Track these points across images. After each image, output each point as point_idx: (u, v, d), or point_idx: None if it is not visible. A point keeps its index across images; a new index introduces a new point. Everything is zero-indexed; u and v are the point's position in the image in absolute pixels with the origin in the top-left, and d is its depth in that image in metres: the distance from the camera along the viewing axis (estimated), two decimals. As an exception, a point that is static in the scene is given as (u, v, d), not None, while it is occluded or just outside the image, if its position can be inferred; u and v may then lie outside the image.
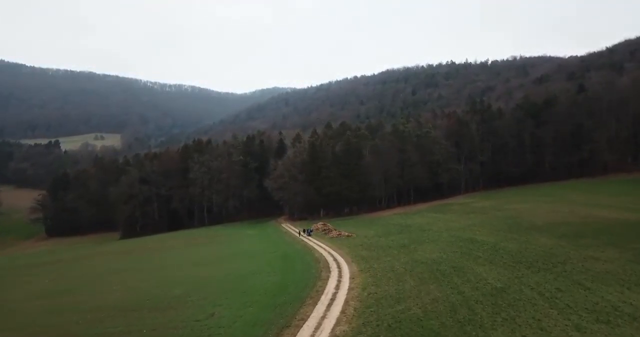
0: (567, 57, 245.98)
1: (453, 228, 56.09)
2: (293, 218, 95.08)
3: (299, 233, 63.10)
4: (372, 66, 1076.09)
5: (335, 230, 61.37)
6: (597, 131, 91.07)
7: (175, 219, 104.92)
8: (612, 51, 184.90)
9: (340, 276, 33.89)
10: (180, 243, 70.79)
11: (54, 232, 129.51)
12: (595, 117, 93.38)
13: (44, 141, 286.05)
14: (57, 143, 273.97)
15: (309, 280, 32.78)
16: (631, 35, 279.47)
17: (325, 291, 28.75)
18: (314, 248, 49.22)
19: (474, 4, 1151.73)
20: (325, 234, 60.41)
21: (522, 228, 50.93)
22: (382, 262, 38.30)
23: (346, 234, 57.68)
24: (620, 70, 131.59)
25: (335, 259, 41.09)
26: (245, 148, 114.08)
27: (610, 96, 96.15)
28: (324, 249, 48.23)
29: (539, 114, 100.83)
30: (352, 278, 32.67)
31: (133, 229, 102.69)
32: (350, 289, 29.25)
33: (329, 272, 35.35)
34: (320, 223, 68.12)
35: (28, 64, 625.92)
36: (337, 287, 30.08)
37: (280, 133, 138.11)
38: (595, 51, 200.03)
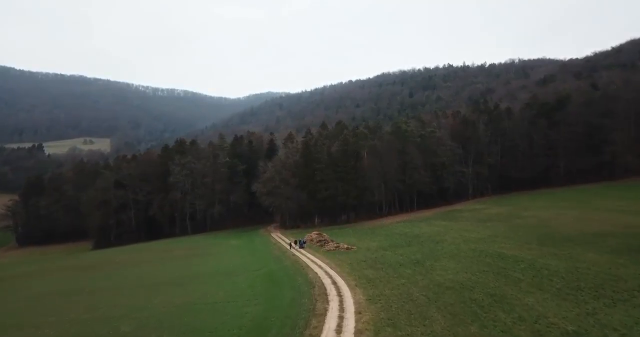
0: (566, 59, 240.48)
1: (471, 239, 48.04)
2: (284, 226, 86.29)
3: (290, 245, 54.29)
4: (367, 71, 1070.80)
5: (333, 241, 52.81)
6: (617, 132, 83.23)
7: (155, 227, 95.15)
8: (618, 51, 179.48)
9: (342, 308, 25.51)
10: (153, 256, 61.85)
11: (26, 241, 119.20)
12: (613, 116, 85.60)
13: (29, 145, 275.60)
14: (40, 147, 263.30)
15: (299, 315, 24.61)
16: (635, 35, 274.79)
17: (323, 337, 20.43)
18: (307, 265, 40.60)
19: (468, 9, 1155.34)
20: (321, 246, 51.79)
21: (557, 240, 43.09)
22: (395, 286, 30.02)
23: (345, 246, 49.18)
24: (633, 69, 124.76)
25: (334, 282, 32.57)
26: (232, 149, 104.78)
27: (628, 95, 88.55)
28: (320, 266, 39.64)
29: (551, 113, 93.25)
30: (358, 313, 24.46)
31: (107, 238, 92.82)
32: (357, 332, 21.25)
33: (327, 302, 26.92)
34: (315, 233, 59.46)
35: (17, 67, 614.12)
36: (339, 328, 21.97)
37: (272, 134, 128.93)
38: (601, 51, 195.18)
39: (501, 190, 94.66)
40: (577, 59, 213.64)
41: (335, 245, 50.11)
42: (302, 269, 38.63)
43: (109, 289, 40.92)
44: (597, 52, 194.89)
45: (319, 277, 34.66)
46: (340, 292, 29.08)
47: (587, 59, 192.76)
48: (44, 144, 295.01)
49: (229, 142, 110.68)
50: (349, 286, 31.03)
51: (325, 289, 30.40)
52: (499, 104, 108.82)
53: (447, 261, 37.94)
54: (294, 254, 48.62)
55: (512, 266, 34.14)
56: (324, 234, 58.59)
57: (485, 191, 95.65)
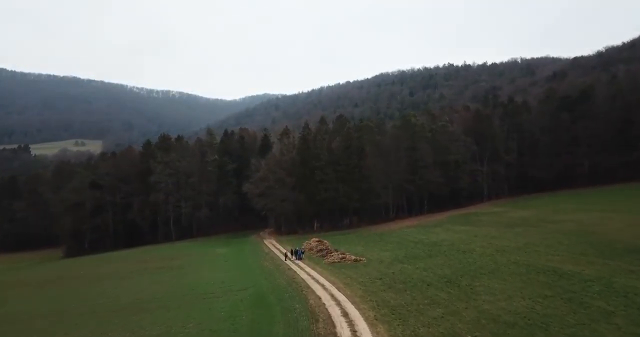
0: (571, 57, 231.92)
1: (506, 249, 39.25)
2: (279, 232, 77.29)
3: (285, 255, 45.31)
4: (365, 73, 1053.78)
5: (336, 251, 43.92)
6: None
7: (135, 233, 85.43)
8: (632, 45, 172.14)
9: (362, 364, 16.48)
10: (125, 268, 52.71)
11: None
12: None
13: (16, 146, 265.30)
14: (26, 147, 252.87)
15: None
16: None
17: None
18: (307, 285, 31.59)
19: (466, 11, 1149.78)
20: (322, 256, 42.93)
21: (619, 250, 34.48)
22: (431, 320, 21.07)
23: (352, 257, 40.25)
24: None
25: (344, 312, 23.55)
26: (222, 146, 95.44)
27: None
28: (323, 286, 30.69)
29: (573, 107, 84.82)
30: (389, 375, 15.39)
31: (80, 245, 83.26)
32: None
33: (338, 351, 17.92)
34: (315, 240, 50.55)
35: (9, 68, 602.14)
36: None
37: (265, 130, 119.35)
38: (613, 46, 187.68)
39: (518, 191, 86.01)
40: (583, 56, 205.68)
41: (340, 256, 41.16)
42: (300, 291, 29.57)
43: (52, 316, 31.93)
44: (609, 46, 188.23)
45: (324, 303, 25.62)
46: (355, 332, 20.09)
47: (600, 54, 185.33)
48: (34, 146, 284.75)
49: (219, 139, 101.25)
50: (366, 319, 22.02)
51: (333, 325, 21.41)
52: (513, 98, 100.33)
53: (487, 279, 29.12)
54: (289, 268, 39.67)
55: (581, 288, 25.35)
56: (325, 241, 49.73)
57: (500, 192, 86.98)
